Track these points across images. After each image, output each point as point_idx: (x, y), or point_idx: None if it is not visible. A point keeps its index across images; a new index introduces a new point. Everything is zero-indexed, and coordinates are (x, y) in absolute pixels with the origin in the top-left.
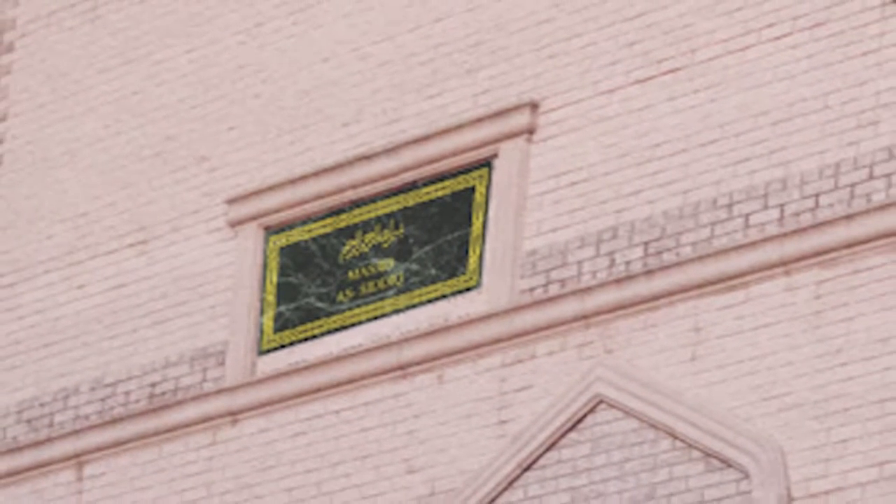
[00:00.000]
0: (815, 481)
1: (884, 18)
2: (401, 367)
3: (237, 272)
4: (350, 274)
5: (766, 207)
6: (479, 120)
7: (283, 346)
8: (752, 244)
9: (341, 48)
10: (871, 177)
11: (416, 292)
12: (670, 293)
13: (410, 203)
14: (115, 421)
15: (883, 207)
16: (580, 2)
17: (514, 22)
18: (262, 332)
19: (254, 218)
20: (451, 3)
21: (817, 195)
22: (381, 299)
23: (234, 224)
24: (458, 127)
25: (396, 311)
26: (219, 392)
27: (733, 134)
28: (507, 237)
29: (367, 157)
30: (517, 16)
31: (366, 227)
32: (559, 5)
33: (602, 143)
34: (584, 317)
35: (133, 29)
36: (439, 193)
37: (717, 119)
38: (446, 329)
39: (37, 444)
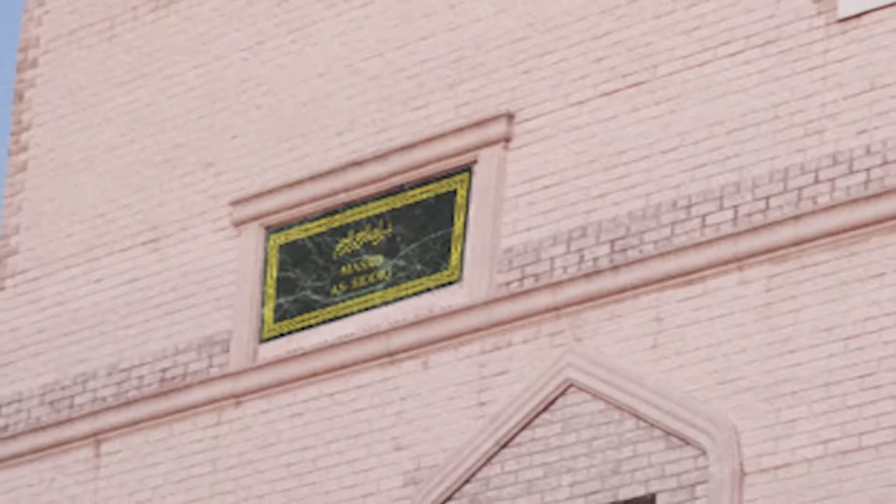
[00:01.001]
0: (765, 457)
1: (828, 37)
2: (389, 354)
3: (240, 268)
4: (343, 269)
5: (721, 209)
6: (461, 129)
7: (282, 335)
8: (709, 242)
9: (335, 64)
10: (816, 181)
11: (403, 286)
12: (634, 287)
13: (398, 205)
14: (129, 403)
15: (827, 209)
16: (552, 22)
17: (492, 40)
18: (262, 322)
19: (255, 218)
20: (435, 23)
21: (768, 198)
22: (372, 292)
23: (238, 224)
24: (441, 135)
25: (385, 303)
26: (224, 377)
27: (691, 142)
28: (485, 236)
29: (358, 163)
30: (495, 34)
31: (357, 226)
32: (533, 25)
33: (572, 150)
34: (556, 308)
35: (146, 46)
36: (424, 196)
37: (677, 128)
38: (430, 319)
39: (58, 423)
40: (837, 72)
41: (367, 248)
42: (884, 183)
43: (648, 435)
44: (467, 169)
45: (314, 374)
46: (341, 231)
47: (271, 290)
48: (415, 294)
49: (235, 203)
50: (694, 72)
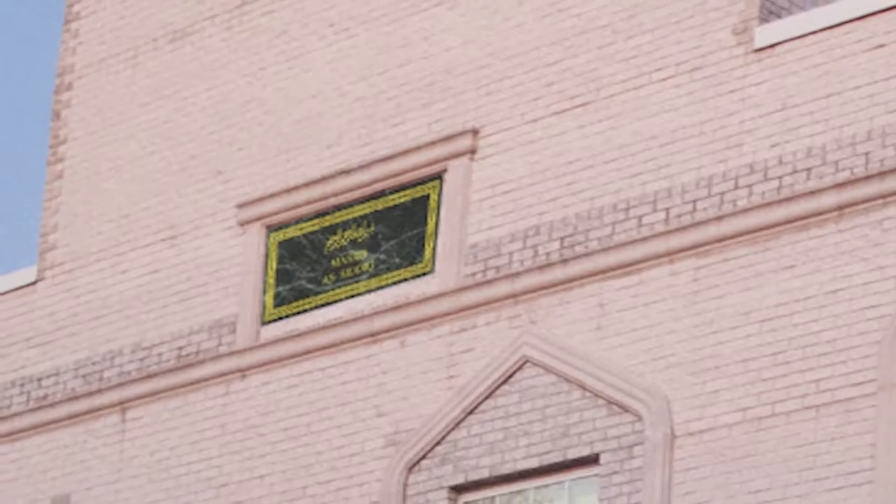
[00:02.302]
0: (693, 423)
1: (746, 64)
2: (372, 335)
3: (245, 261)
4: (333, 262)
5: (654, 210)
6: (433, 143)
7: (281, 318)
8: (644, 239)
9: (326, 87)
10: (736, 187)
11: (384, 276)
12: (580, 277)
13: (380, 207)
14: (150, 376)
15: (746, 211)
16: (511, 51)
17: (459, 67)
18: (264, 307)
19: (258, 219)
20: (411, 53)
21: (695, 201)
22: (357, 282)
23: (243, 223)
24: (416, 148)
25: (368, 291)
26: (231, 354)
27: (630, 153)
28: (454, 234)
29: (346, 172)
30: (462, 62)
31: (345, 225)
32: (494, 54)
33: (528, 161)
34: (514, 296)
35: (165, 72)
36: (402, 200)
37: (617, 142)
38: (407, 305)
39: (90, 394)
40: (754, 94)
41: (353, 244)
42: (794, 189)
43: (593, 403)
44: (438, 177)
45: (308, 352)
46: (331, 230)
47: (271, 280)
48: (394, 283)
49: (241, 206)
50: (632, 94)
